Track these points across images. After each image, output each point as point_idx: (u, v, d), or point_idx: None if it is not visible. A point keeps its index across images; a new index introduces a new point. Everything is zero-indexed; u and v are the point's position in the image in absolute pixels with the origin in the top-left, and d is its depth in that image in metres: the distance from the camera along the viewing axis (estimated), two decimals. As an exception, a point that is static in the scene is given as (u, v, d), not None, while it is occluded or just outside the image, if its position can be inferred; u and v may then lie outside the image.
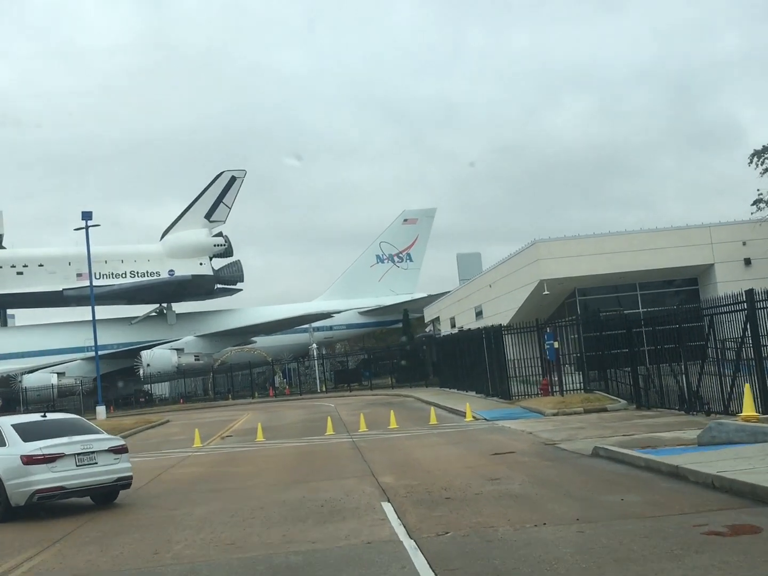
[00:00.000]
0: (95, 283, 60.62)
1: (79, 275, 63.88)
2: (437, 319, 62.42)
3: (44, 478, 12.68)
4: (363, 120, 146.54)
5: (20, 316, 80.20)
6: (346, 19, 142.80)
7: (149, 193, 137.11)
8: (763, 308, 17.15)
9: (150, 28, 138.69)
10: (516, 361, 31.33)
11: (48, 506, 13.28)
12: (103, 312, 67.26)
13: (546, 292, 36.55)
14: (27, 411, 56.90)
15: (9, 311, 75.96)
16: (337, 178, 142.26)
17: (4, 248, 67.23)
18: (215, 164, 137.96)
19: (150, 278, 67.31)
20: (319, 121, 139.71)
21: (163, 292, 68.47)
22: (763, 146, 38.42)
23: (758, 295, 17.25)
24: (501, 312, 41.06)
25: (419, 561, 7.93)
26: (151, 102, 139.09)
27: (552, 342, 27.69)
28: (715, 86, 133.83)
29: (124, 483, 13.83)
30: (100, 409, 47.47)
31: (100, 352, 52.53)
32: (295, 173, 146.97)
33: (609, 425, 19.73)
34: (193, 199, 69.97)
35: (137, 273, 67.51)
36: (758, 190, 38.04)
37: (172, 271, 67.47)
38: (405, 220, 77.43)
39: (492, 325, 33.36)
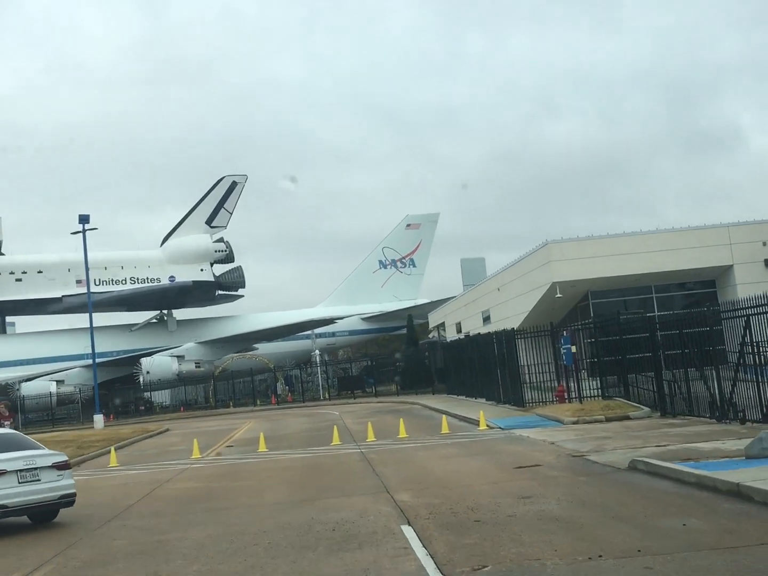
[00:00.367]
0: (95, 289, 59.68)
1: (78, 282, 62.66)
2: (442, 324, 61.09)
3: None
4: (363, 126, 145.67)
5: (20, 323, 79.15)
6: (345, 25, 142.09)
7: (149, 200, 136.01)
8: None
9: (149, 37, 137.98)
10: (528, 367, 30.02)
11: (22, 528, 11.97)
12: (103, 319, 66.40)
13: (558, 295, 35.20)
14: (26, 420, 55.78)
15: (9, 319, 75.05)
16: (337, 184, 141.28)
17: (3, 255, 66.15)
18: (215, 172, 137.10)
19: (150, 284, 66.16)
20: (318, 127, 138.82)
21: (164, 299, 67.28)
22: None
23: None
24: (510, 316, 39.70)
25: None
26: (151, 109, 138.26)
27: (569, 346, 26.38)
28: (714, 90, 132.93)
29: (68, 501, 13.00)
30: (98, 418, 46.20)
31: (99, 360, 51.35)
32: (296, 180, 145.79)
33: (637, 434, 18.41)
34: (194, 204, 68.87)
35: (137, 279, 66.37)
36: None
37: (172, 277, 66.34)
38: (408, 225, 76.26)
39: (504, 329, 32.01)
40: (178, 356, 62.44)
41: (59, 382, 60.57)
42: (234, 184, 68.61)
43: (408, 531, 9.70)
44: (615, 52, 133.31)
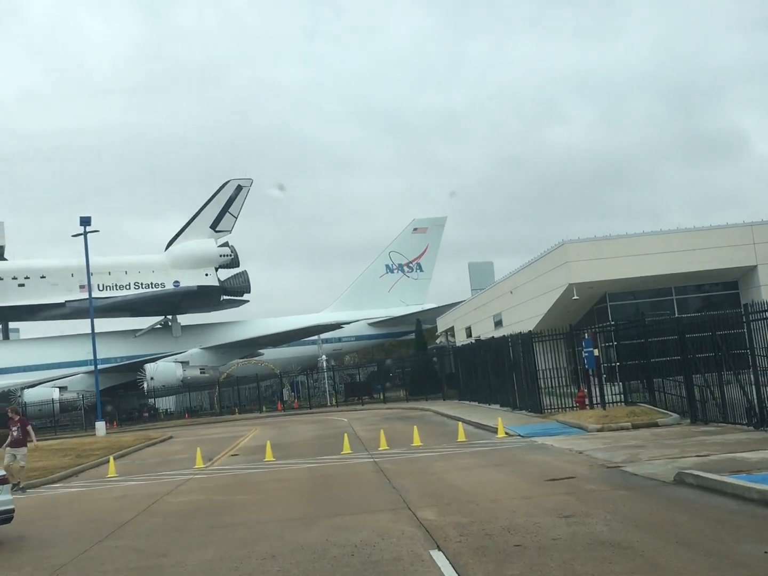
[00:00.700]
0: (99, 294, 58.73)
1: (81, 287, 61.63)
2: (451, 329, 59.83)
3: None
4: (366, 132, 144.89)
5: (24, 329, 78.18)
6: (347, 32, 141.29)
7: (152, 205, 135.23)
8: None
9: (150, 43, 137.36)
10: (544, 371, 28.72)
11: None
12: (107, 324, 65.56)
13: (575, 297, 33.92)
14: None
15: (13, 325, 74.21)
16: (341, 190, 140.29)
17: (6, 260, 65.22)
18: (219, 177, 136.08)
19: (155, 289, 65.18)
20: (321, 134, 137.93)
21: (168, 304, 66.28)
22: None
23: None
24: (524, 320, 38.40)
25: None
26: (153, 115, 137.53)
27: (591, 349, 25.07)
28: (717, 94, 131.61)
29: (5, 517, 11.96)
30: (100, 425, 45.06)
31: (103, 366, 50.27)
32: (299, 186, 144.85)
33: (670, 443, 17.14)
34: (199, 208, 67.91)
35: (141, 284, 65.40)
36: None
37: (177, 282, 65.32)
38: (415, 229, 75.29)
39: (520, 332, 30.73)
40: (182, 362, 61.43)
41: (62, 388, 59.65)
42: (239, 188, 67.63)
43: (439, 557, 8.44)
44: (617, 57, 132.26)
